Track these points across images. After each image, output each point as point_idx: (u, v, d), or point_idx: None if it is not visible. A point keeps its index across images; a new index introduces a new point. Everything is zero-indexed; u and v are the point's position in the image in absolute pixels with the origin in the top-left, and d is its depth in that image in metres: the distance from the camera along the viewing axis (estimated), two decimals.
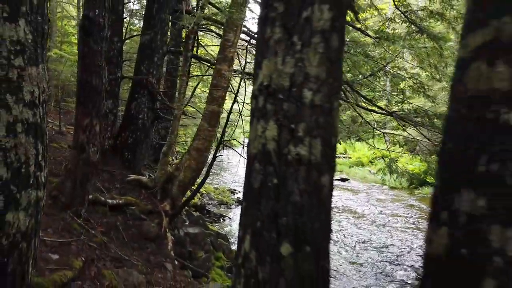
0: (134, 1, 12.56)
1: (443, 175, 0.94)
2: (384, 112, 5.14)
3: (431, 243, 0.92)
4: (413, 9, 5.36)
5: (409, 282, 5.24)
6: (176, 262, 3.81)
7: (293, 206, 1.03)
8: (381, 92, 5.79)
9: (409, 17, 5.54)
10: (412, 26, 5.60)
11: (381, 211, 8.88)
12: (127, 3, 10.72)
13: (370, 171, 13.95)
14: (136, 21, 13.14)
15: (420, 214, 8.77)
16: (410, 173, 6.55)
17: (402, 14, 5.51)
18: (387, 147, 7.60)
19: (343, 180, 13.13)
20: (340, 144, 16.13)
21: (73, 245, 2.45)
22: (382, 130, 9.24)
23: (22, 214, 1.46)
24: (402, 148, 12.70)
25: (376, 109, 5.19)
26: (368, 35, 6.31)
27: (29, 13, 1.45)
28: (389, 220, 8.11)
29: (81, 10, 13.96)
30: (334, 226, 7.49)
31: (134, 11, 12.73)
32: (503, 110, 0.83)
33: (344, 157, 15.72)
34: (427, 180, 10.98)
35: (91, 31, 3.00)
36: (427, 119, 4.45)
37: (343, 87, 5.62)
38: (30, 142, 1.48)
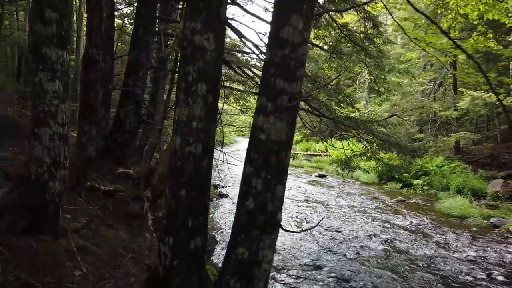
0: (126, 6, 13.94)
1: (246, 162, 2.31)
2: (328, 117, 6.47)
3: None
4: (354, 33, 6.69)
5: (351, 257, 6.58)
6: (154, 234, 5.16)
7: (187, 175, 2.39)
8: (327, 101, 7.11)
9: (353, 39, 6.88)
10: (356, 46, 6.95)
11: (345, 203, 10.29)
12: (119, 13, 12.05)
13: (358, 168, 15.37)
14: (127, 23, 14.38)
15: (378, 205, 10.20)
16: (362, 168, 7.89)
17: (346, 37, 6.86)
18: (363, 146, 8.93)
19: (321, 176, 14.54)
20: (322, 143, 17.49)
21: (79, 211, 3.79)
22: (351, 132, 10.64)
23: (57, 183, 2.82)
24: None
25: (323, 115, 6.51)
26: (325, 50, 7.70)
27: (60, 75, 2.81)
28: (350, 210, 9.51)
29: (75, 12, 15.20)
30: (301, 214, 8.87)
31: (126, 13, 14.01)
32: (261, 133, 2.19)
33: (325, 155, 17.10)
34: (394, 176, 12.41)
35: (90, 63, 4.35)
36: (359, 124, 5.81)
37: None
38: (61, 145, 2.84)
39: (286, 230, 2.36)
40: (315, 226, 5.64)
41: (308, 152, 18.35)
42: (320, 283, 5.39)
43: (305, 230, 4.03)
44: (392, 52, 14.54)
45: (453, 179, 11.34)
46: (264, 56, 2.40)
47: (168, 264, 2.31)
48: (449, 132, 13.61)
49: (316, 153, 17.76)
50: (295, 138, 23.43)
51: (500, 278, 5.87)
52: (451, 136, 12.11)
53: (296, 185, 12.81)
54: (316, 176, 14.71)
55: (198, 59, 2.40)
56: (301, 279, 5.53)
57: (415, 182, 11.96)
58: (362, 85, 15.90)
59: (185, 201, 2.36)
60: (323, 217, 6.48)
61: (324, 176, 14.62)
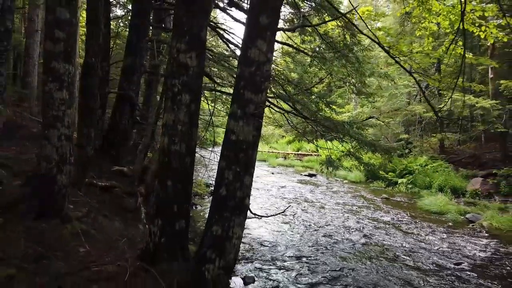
0: (120, 7, 14.51)
1: (220, 158, 2.89)
2: (310, 119, 7.07)
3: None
4: (335, 41, 7.30)
5: (332, 249, 7.16)
6: (146, 226, 5.70)
7: (173, 169, 2.96)
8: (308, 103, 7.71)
9: (334, 46, 7.48)
10: (337, 52, 7.56)
11: (331, 200, 10.89)
12: (113, 18, 12.57)
13: (340, 167, 15.98)
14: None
15: (363, 202, 10.81)
16: (344, 167, 8.48)
17: (328, 44, 7.47)
18: (350, 146, 9.54)
19: (310, 175, 15.14)
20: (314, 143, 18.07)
21: (80, 203, 4.34)
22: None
23: (64, 176, 3.37)
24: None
25: (304, 116, 7.11)
26: (309, 55, 8.29)
27: (67, 85, 3.36)
28: (335, 207, 10.12)
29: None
30: (289, 210, 9.44)
31: (119, 19, 14.55)
32: (232, 135, 2.77)
33: (316, 155, 17.71)
34: (380, 174, 13.04)
35: (89, 71, 4.89)
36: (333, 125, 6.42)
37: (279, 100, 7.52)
38: (67, 144, 3.39)
39: (254, 214, 2.93)
40: (281, 213, 6.25)
41: (300, 152, 18.98)
42: (301, 273, 5.94)
43: (272, 216, 4.59)
44: (381, 55, 15.17)
45: (435, 177, 11.98)
46: None
47: (157, 241, 2.87)
48: (435, 132, 14.27)
49: (307, 153, 18.37)
50: (287, 138, 24.20)
51: (468, 267, 6.48)
52: (434, 137, 12.78)
53: (286, 184, 13.40)
54: (306, 175, 15.30)
55: (182, 74, 2.97)
56: (284, 270, 6.09)
57: (399, 180, 12.60)
58: (352, 87, 16.51)
59: (172, 191, 2.93)
60: (290, 205, 7.08)
61: (314, 175, 15.22)
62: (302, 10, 7.59)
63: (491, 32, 7.31)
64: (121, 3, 13.86)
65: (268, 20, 2.76)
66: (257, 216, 3.73)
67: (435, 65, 15.14)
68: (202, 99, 7.97)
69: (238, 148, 2.73)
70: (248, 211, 2.90)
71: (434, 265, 6.54)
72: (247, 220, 8.65)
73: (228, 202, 2.69)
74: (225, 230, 2.67)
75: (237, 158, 2.73)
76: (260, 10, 2.76)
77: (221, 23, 10.15)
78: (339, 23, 6.89)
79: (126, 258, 2.98)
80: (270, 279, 5.67)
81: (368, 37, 4.23)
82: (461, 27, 4.34)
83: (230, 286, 5.09)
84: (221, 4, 8.51)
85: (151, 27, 7.71)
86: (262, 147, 19.67)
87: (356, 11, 5.97)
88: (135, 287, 2.57)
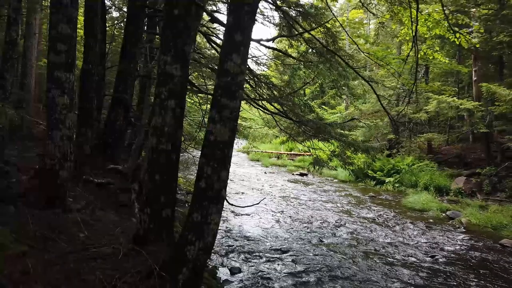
0: (116, 9, 15.03)
1: (200, 155, 3.41)
2: (294, 120, 7.60)
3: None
4: (319, 47, 7.83)
5: (315, 243, 7.69)
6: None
7: (161, 165, 3.48)
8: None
9: (319, 50, 8.01)
10: (322, 57, 8.09)
11: (319, 198, 11.45)
12: (109, 25, 13.07)
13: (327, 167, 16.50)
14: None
15: (349, 200, 11.37)
16: (331, 165, 9.01)
17: (313, 49, 8.01)
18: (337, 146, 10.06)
19: (302, 174, 15.69)
20: (302, 144, 18.60)
21: (78, 197, 4.85)
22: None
23: (65, 172, 3.89)
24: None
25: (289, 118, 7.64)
26: (295, 59, 8.82)
27: (68, 92, 3.87)
28: (322, 204, 10.66)
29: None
30: (278, 207, 9.98)
31: (116, 22, 15.07)
32: (211, 136, 3.29)
33: (308, 155, 18.25)
34: (369, 173, 13.60)
35: (86, 76, 5.41)
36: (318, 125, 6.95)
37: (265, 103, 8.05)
38: (68, 144, 3.91)
39: (230, 203, 3.45)
40: (257, 204, 6.76)
41: (292, 152, 19.54)
42: (286, 264, 6.46)
43: (248, 206, 5.10)
44: (370, 58, 15.74)
45: (421, 176, 12.56)
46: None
47: (146, 227, 3.39)
48: (424, 133, 14.85)
49: (299, 153, 18.91)
50: (280, 139, 24.80)
51: (442, 260, 7.03)
52: (420, 137, 13.36)
53: (278, 183, 13.94)
54: (297, 174, 15.85)
55: (168, 82, 3.49)
56: (269, 262, 6.61)
57: (387, 179, 13.16)
58: (338, 90, 17.10)
59: (159, 183, 3.45)
60: (264, 197, 7.61)
61: (305, 174, 15.77)
62: (291, 13, 8.08)
63: (465, 39, 7.89)
64: (116, 5, 14.38)
65: (241, 37, 3.27)
66: (233, 206, 4.25)
67: (424, 67, 15.73)
68: (196, 100, 8.52)
69: (216, 147, 3.24)
70: (225, 202, 3.41)
71: (411, 258, 7.08)
72: (238, 217, 9.17)
73: (207, 193, 3.20)
74: (204, 216, 3.17)
75: (215, 156, 3.23)
76: (235, 28, 3.28)
77: (213, 28, 10.67)
78: (322, 29, 7.40)
79: (120, 242, 3.49)
80: (256, 270, 6.19)
81: (333, 53, 4.74)
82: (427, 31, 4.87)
83: (217, 276, 5.62)
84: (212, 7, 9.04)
85: (144, 33, 8.22)
86: (256, 147, 20.21)
87: (337, 20, 6.50)
88: (127, 264, 3.09)
